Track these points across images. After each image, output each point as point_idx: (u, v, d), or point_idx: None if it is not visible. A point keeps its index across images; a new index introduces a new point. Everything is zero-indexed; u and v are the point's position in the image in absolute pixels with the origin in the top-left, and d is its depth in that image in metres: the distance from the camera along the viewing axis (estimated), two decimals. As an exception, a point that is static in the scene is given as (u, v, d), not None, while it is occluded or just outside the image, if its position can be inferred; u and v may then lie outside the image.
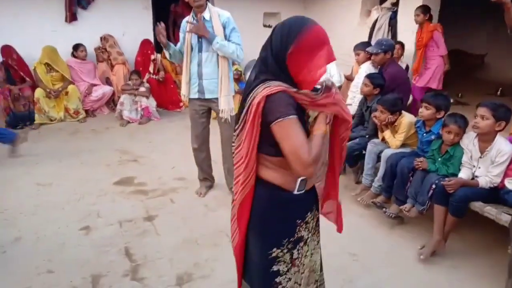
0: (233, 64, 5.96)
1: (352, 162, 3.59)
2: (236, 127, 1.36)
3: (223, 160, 3.34)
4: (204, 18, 2.89)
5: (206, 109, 3.16)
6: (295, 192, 1.38)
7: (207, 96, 3.05)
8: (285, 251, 1.42)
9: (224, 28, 2.92)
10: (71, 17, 5.48)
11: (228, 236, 2.81)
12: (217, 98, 3.03)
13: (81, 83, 5.47)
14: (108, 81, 5.79)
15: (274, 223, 1.41)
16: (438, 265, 2.54)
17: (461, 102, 5.73)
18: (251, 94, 1.27)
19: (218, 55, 2.94)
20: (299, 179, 1.36)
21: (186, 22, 2.97)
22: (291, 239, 1.43)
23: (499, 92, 6.61)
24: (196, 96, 3.08)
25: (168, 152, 4.30)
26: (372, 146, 3.25)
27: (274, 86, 1.23)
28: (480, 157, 2.50)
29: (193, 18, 2.93)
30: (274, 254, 1.41)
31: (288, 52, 1.24)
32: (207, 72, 2.99)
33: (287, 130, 1.22)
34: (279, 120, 1.21)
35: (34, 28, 5.25)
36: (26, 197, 3.29)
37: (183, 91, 3.11)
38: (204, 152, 3.33)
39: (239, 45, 2.94)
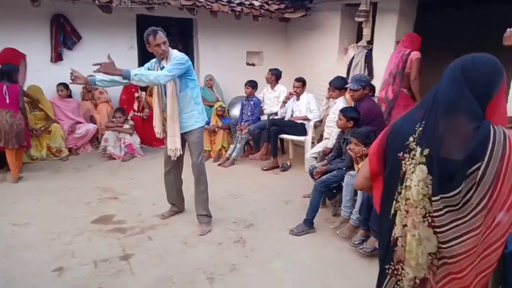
0: (217, 100, 6.13)
1: (330, 195, 3.62)
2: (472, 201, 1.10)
3: (194, 188, 3.46)
4: (164, 66, 3.10)
5: None
6: None
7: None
8: None
9: None
10: (56, 57, 5.60)
11: (205, 273, 2.76)
12: (185, 132, 3.30)
13: (65, 121, 5.49)
14: (92, 119, 5.83)
15: None
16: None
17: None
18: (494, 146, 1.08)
19: (178, 96, 3.15)
20: None
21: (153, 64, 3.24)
22: None
23: None
24: None
25: (150, 189, 4.27)
26: (349, 178, 3.30)
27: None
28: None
29: (158, 63, 3.18)
30: None
31: (494, 94, 1.16)
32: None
33: None
34: None
35: (19, 69, 5.33)
36: (0, 238, 3.20)
37: (157, 128, 3.38)
38: (171, 177, 3.52)
39: (166, 69, 2.99)
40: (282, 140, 5.70)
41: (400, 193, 1.26)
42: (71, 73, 3.00)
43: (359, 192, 3.16)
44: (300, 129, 5.10)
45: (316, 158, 4.23)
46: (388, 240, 1.34)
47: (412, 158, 1.21)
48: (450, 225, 1.15)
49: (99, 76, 3.09)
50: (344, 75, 5.44)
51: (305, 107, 5.14)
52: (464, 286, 1.17)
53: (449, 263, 1.18)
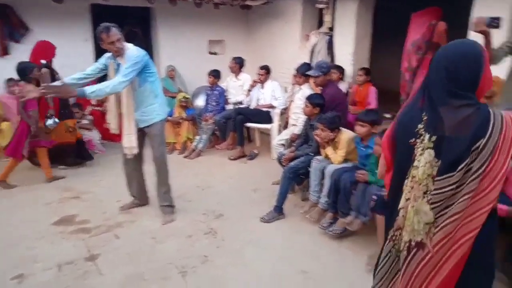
0: (180, 91, 5.98)
1: (298, 180, 3.66)
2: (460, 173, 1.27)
3: (156, 180, 3.43)
4: (120, 64, 3.02)
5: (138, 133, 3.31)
6: None
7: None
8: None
9: None
10: (3, 51, 5.22)
11: (177, 268, 2.71)
12: (146, 126, 3.27)
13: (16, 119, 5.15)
14: (47, 116, 5.50)
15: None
16: (385, 274, 2.61)
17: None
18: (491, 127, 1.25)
19: (136, 91, 3.13)
20: None
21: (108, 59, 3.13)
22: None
23: None
24: None
25: (114, 186, 4.10)
26: (316, 163, 3.34)
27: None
28: (413, 166, 2.64)
29: (113, 59, 3.07)
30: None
31: (481, 77, 1.30)
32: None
33: None
34: None
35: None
36: (-50, 247, 2.97)
37: (112, 124, 3.33)
38: (130, 168, 3.46)
39: (121, 74, 2.90)
40: (248, 128, 5.67)
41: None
42: (19, 90, 2.95)
43: (326, 176, 3.21)
44: (266, 117, 5.09)
45: (283, 145, 4.25)
46: (394, 210, 1.50)
47: (421, 143, 1.37)
48: (447, 198, 1.32)
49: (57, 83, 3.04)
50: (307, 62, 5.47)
51: (270, 95, 5.13)
52: (455, 246, 1.35)
53: (443, 226, 1.34)
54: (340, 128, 3.29)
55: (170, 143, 5.43)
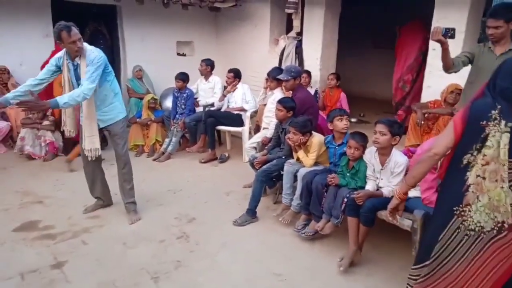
0: (148, 92, 5.85)
1: (271, 183, 3.70)
2: None
3: (119, 178, 3.42)
4: (78, 64, 2.99)
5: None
6: None
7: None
8: None
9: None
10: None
11: (149, 273, 2.65)
12: (109, 125, 3.27)
13: (-30, 119, 4.83)
14: (3, 116, 5.18)
15: None
16: (356, 275, 2.71)
17: (364, 120, 6.31)
18: None
19: (96, 91, 3.07)
20: None
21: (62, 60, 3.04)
22: None
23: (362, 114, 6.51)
24: None
25: (78, 189, 3.93)
26: (288, 166, 3.39)
27: None
28: (381, 169, 2.77)
29: (68, 59, 3.02)
30: None
31: None
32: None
33: None
34: None
35: None
36: None
37: (68, 127, 3.30)
38: (90, 168, 3.40)
39: (88, 80, 2.88)
40: (219, 131, 5.65)
41: (478, 150, 1.65)
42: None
43: (298, 179, 3.27)
44: (237, 120, 5.10)
45: (255, 148, 4.28)
46: (459, 186, 1.68)
47: (494, 126, 1.63)
48: None
49: (11, 94, 2.92)
50: (276, 66, 5.54)
51: (241, 98, 5.15)
52: None
53: None
54: (312, 132, 3.37)
55: (138, 145, 5.30)
